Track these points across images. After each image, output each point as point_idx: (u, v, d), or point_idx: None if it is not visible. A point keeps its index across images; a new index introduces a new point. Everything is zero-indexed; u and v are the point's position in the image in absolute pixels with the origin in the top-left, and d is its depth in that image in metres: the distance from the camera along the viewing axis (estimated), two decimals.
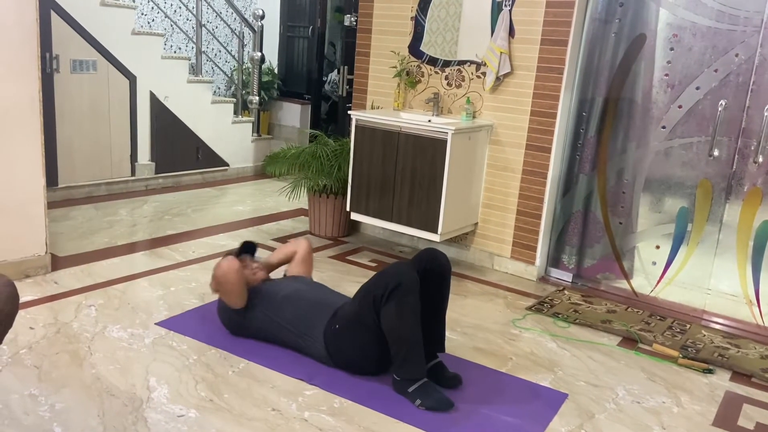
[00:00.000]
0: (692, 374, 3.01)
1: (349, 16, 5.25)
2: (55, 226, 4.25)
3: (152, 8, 6.37)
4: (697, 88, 3.59)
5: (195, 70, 6.15)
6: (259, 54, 6.39)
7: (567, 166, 4.04)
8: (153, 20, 6.43)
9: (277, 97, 7.11)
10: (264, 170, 6.08)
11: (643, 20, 3.71)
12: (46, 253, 3.51)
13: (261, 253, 3.36)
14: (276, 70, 7.20)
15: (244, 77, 6.75)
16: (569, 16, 3.75)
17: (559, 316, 3.54)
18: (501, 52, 3.91)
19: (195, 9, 6.25)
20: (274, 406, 2.46)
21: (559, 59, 3.81)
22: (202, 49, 6.36)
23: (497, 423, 2.48)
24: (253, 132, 6.59)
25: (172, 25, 6.50)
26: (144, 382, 2.54)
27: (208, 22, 6.83)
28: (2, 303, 1.75)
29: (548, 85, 3.86)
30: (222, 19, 6.85)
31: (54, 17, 4.71)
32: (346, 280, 3.75)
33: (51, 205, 3.93)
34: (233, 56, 6.96)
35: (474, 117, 4.10)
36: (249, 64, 6.62)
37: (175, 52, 6.56)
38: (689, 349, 3.23)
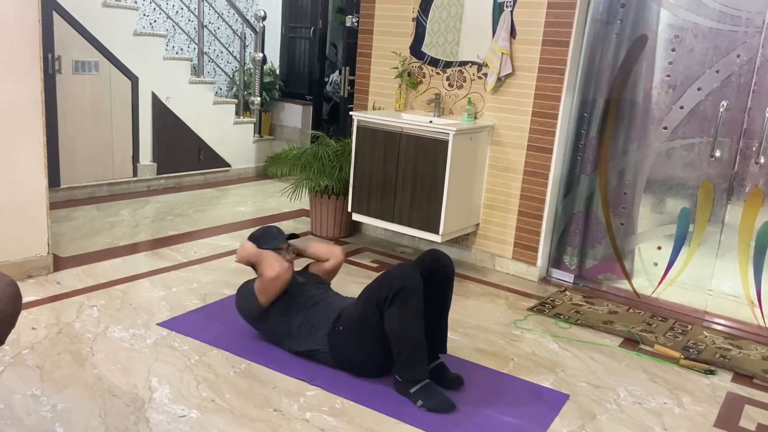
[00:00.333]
0: (694, 375, 3.01)
1: (350, 17, 5.25)
2: (57, 227, 4.25)
3: (154, 9, 6.38)
4: (699, 89, 3.59)
5: (197, 71, 6.15)
6: (261, 55, 6.40)
7: (568, 166, 4.04)
8: (155, 21, 6.44)
9: (278, 97, 7.12)
10: (265, 171, 6.11)
11: (645, 21, 3.71)
12: (48, 253, 3.51)
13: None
14: (277, 71, 7.20)
15: (245, 78, 6.76)
16: (570, 17, 3.75)
17: (561, 316, 3.54)
18: (502, 53, 3.92)
19: (197, 10, 6.26)
20: (276, 406, 2.47)
21: (560, 60, 3.81)
22: (204, 50, 6.36)
23: (498, 424, 2.48)
24: (254, 133, 6.60)
25: (174, 26, 6.51)
26: (146, 382, 2.54)
27: (209, 23, 6.84)
28: (5, 303, 1.76)
29: (549, 86, 3.86)
30: (224, 20, 6.86)
31: (56, 18, 4.72)
32: (348, 281, 3.75)
33: (53, 205, 3.94)
34: (235, 57, 6.96)
35: (475, 118, 4.11)
36: (251, 65, 6.63)
37: (177, 53, 6.57)
38: (691, 350, 3.23)
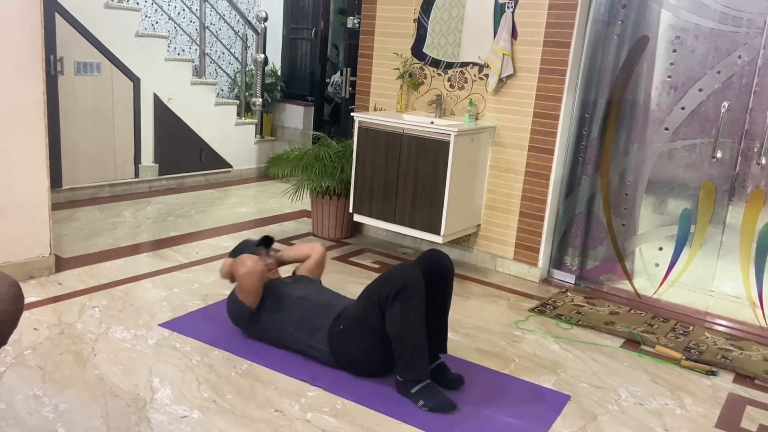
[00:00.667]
0: (695, 376, 3.01)
1: (352, 18, 5.26)
2: (59, 228, 4.26)
3: (156, 10, 6.39)
4: (700, 90, 3.59)
5: (198, 72, 6.16)
6: (263, 56, 6.41)
7: (570, 167, 4.04)
8: (157, 22, 6.45)
9: (280, 98, 7.13)
10: (267, 172, 6.11)
11: (646, 22, 3.71)
12: (50, 254, 3.52)
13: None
14: (279, 72, 7.21)
15: (247, 79, 6.77)
16: (572, 18, 3.75)
17: (562, 317, 3.54)
18: (504, 54, 3.92)
19: (198, 11, 6.27)
20: (277, 407, 2.47)
21: (561, 61, 3.81)
22: (206, 51, 6.37)
23: (499, 424, 2.48)
24: (256, 134, 6.60)
25: (175, 28, 6.52)
26: (147, 383, 2.54)
27: (211, 24, 6.85)
28: (7, 303, 1.76)
29: (551, 86, 3.86)
30: (225, 21, 6.87)
31: (58, 19, 4.73)
32: (349, 282, 3.75)
33: (55, 206, 3.95)
34: (236, 58, 6.98)
35: (477, 119, 4.11)
36: (252, 66, 6.64)
37: (178, 54, 6.58)
38: (692, 351, 3.22)
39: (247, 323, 2.93)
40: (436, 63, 4.29)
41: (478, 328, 3.34)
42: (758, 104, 3.43)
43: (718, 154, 3.58)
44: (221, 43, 6.85)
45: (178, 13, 6.61)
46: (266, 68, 6.66)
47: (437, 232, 3.86)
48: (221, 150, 6.19)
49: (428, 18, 4.26)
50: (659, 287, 3.87)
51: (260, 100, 6.49)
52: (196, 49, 6.51)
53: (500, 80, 4.00)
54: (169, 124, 5.67)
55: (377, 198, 4.06)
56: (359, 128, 4.08)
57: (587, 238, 4.06)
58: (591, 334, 3.38)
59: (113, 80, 5.20)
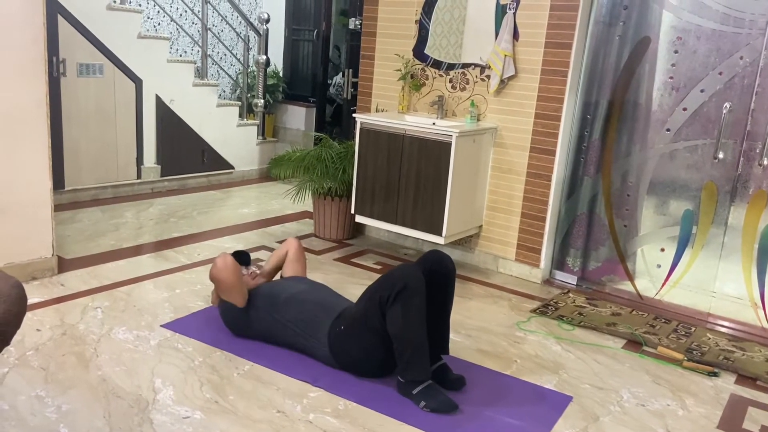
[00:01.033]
0: (697, 377, 3.01)
1: (353, 19, 5.27)
2: (62, 229, 4.27)
3: (158, 12, 6.41)
4: (702, 91, 3.59)
5: (200, 73, 6.17)
6: (264, 57, 6.41)
7: (571, 168, 4.04)
8: (159, 24, 6.47)
9: (282, 100, 7.14)
10: (269, 173, 6.11)
11: (648, 23, 3.71)
12: (52, 255, 3.53)
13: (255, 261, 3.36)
14: (281, 74, 7.22)
15: (249, 80, 6.78)
16: (573, 19, 3.76)
17: (564, 318, 3.53)
18: (505, 55, 3.92)
19: (200, 13, 6.28)
20: (279, 407, 2.47)
21: (563, 62, 3.81)
22: (208, 53, 6.38)
23: (501, 425, 2.48)
24: (258, 135, 6.61)
25: (177, 29, 6.53)
26: (149, 383, 2.55)
27: (213, 25, 6.87)
28: (10, 304, 1.77)
29: (552, 87, 3.86)
30: (227, 22, 6.88)
31: (61, 21, 4.74)
32: (351, 283, 3.76)
33: (57, 207, 3.96)
34: (238, 60, 6.99)
35: (478, 120, 4.11)
36: (254, 68, 6.65)
37: (180, 55, 6.60)
38: (694, 352, 3.22)
39: (244, 326, 2.94)
40: (437, 64, 4.29)
41: (480, 329, 3.34)
42: (760, 105, 3.43)
43: (720, 155, 3.57)
44: (223, 44, 6.86)
45: (180, 15, 6.62)
46: (268, 69, 6.66)
47: (439, 233, 3.86)
48: (223, 151, 6.20)
49: (430, 19, 4.27)
50: (661, 288, 3.86)
51: (262, 101, 6.50)
52: (198, 51, 6.52)
53: (502, 81, 4.00)
54: (171, 125, 5.68)
55: (379, 199, 4.07)
56: (361, 129, 4.08)
57: (589, 239, 4.06)
58: (593, 335, 3.38)
59: (115, 82, 5.21)
